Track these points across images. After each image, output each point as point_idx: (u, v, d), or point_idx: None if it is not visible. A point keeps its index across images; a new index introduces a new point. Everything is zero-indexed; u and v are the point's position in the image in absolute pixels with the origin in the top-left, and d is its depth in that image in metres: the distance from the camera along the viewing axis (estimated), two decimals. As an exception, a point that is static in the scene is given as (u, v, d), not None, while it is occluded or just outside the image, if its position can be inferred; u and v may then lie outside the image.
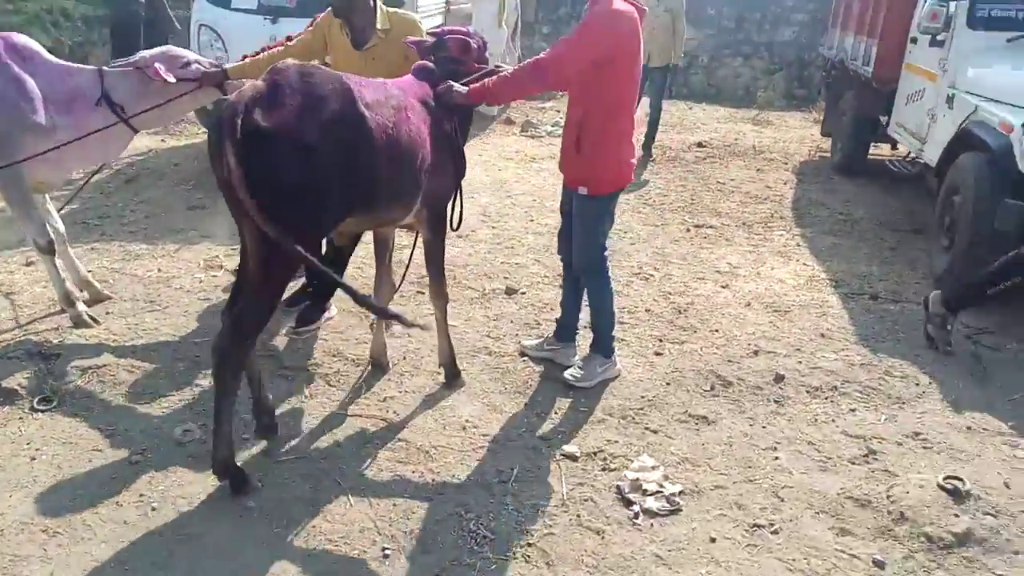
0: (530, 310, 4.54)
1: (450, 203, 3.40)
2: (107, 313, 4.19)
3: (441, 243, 3.44)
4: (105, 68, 3.78)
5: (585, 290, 3.73)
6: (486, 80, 3.26)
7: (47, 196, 4.08)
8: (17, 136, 3.50)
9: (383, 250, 3.59)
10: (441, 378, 3.67)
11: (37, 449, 3.04)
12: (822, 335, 4.34)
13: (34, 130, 3.54)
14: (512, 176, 7.70)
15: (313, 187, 2.56)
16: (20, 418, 3.24)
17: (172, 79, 3.72)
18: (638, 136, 8.92)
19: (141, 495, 2.81)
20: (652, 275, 5.15)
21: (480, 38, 3.55)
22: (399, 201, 3.05)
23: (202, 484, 2.88)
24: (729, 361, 4.00)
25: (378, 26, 3.77)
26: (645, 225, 6.27)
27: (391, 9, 3.90)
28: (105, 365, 3.62)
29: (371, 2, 3.77)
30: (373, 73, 3.56)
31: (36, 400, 3.34)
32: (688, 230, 6.16)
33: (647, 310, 4.60)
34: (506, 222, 6.17)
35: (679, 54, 8.47)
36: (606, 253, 3.60)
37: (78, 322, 3.94)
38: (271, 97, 2.49)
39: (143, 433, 3.18)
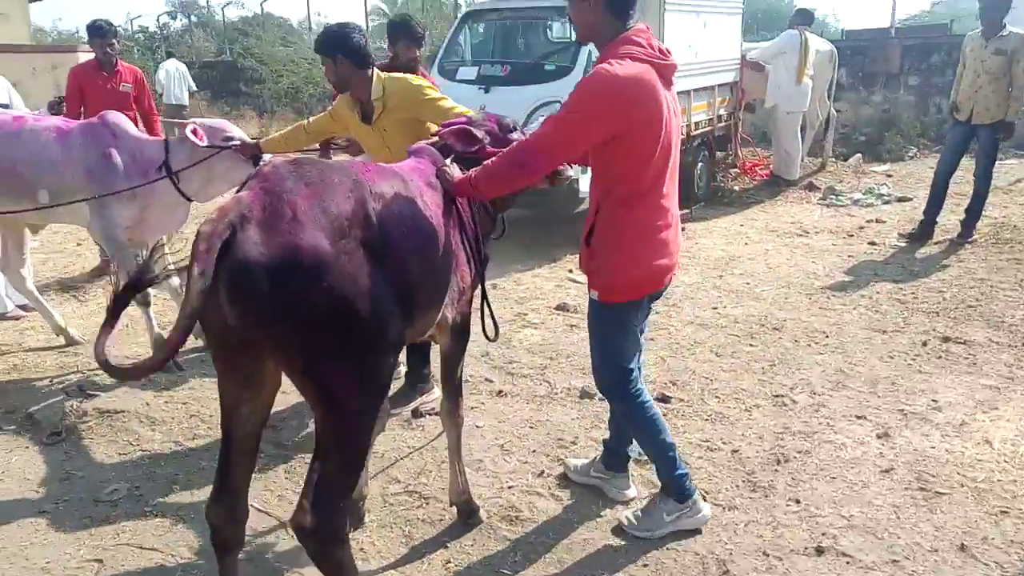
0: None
1: (474, 302, 2.89)
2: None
3: (462, 353, 2.88)
4: (171, 139, 4.16)
5: None
6: (472, 170, 2.57)
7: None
8: (109, 201, 4.00)
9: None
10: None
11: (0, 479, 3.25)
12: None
13: (118, 198, 3.99)
14: (750, 252, 6.57)
15: (357, 308, 1.96)
16: (25, 447, 3.51)
17: (202, 143, 3.91)
18: (908, 215, 7.34)
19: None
20: (792, 402, 3.79)
21: (500, 120, 2.96)
22: (438, 304, 2.54)
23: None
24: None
25: (372, 96, 3.45)
26: (864, 328, 4.72)
27: (385, 74, 3.54)
28: (122, 411, 3.77)
29: (369, 72, 3.43)
30: (391, 146, 3.46)
31: (47, 435, 3.60)
32: (925, 343, 4.46)
33: (734, 451, 3.36)
34: (678, 308, 5.18)
35: (1019, 107, 6.33)
36: (632, 375, 2.75)
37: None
38: (262, 211, 1.88)
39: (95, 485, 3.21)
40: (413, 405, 3.84)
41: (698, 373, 4.14)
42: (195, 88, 13.29)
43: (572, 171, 2.77)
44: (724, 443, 3.43)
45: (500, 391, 4.00)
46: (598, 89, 2.34)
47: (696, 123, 7.80)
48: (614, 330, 2.70)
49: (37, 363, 4.47)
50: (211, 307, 1.83)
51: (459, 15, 7.93)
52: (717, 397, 3.87)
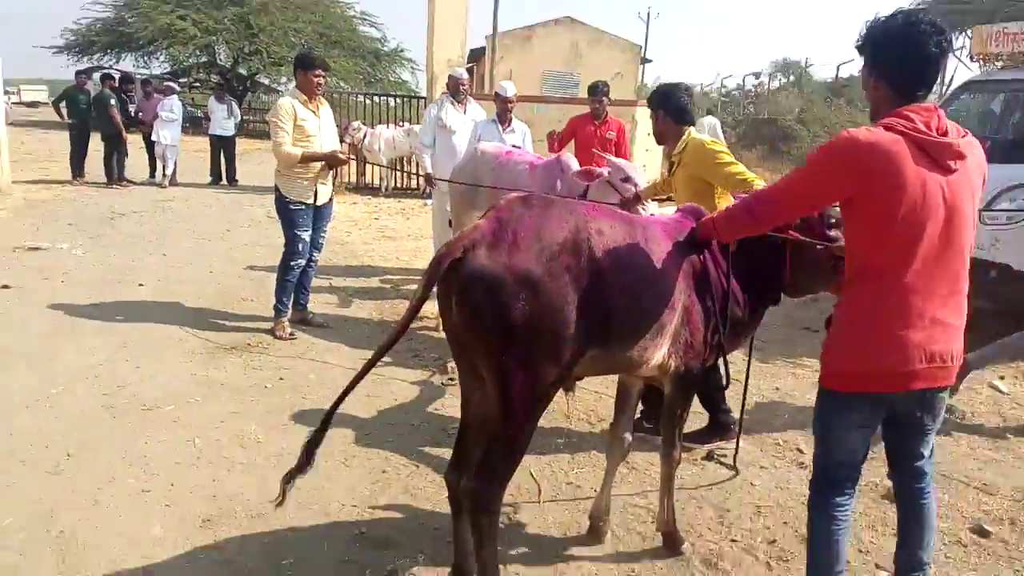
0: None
1: (713, 359, 2.96)
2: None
3: (686, 404, 2.98)
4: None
5: None
6: (717, 214, 2.70)
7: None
8: None
9: (624, 401, 3.16)
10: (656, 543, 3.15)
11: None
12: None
13: None
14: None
15: (545, 323, 2.36)
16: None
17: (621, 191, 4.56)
18: None
19: None
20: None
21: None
22: (636, 340, 2.65)
23: None
24: None
25: (675, 151, 3.94)
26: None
27: (692, 133, 3.94)
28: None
29: (683, 129, 3.92)
30: (678, 199, 3.88)
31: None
32: None
33: None
34: None
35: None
36: (838, 485, 2.42)
37: None
38: (491, 235, 2.38)
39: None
40: (710, 446, 4.02)
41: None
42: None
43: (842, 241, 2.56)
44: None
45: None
46: (832, 149, 2.24)
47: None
48: (828, 418, 2.40)
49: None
50: (448, 311, 2.45)
51: (958, 84, 7.26)
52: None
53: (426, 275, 2.40)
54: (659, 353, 2.73)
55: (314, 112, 5.34)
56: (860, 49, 2.32)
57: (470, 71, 33.44)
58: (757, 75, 26.94)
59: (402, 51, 33.02)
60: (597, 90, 6.81)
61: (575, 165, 5.32)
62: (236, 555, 2.91)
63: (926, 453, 2.47)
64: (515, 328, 2.33)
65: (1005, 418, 4.58)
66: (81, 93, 13.04)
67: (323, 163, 5.40)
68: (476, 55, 28.92)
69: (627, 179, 4.63)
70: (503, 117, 6.34)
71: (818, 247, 2.78)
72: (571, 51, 26.34)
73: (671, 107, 3.87)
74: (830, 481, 2.43)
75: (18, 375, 4.45)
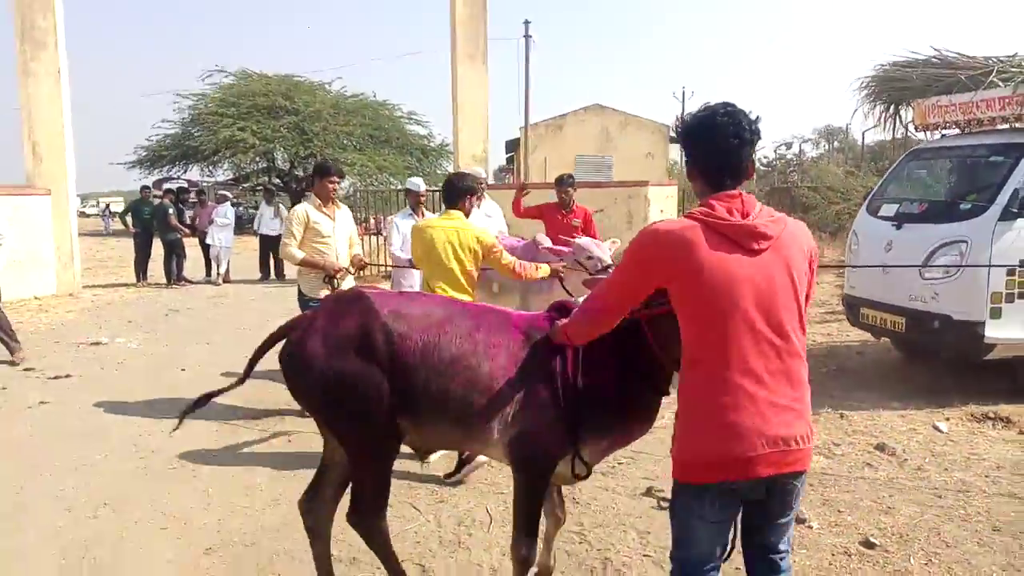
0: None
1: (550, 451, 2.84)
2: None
3: (530, 490, 2.88)
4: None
5: None
6: (566, 321, 2.70)
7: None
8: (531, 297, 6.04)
9: None
10: None
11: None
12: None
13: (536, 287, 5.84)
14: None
15: (338, 394, 2.84)
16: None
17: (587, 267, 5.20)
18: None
19: None
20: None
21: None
22: (448, 418, 2.86)
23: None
24: None
25: None
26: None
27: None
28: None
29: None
30: None
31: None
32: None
33: None
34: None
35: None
36: (696, 573, 2.31)
37: None
38: (305, 321, 3.02)
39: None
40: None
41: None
42: None
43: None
44: None
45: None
46: (636, 242, 2.29)
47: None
48: (680, 511, 2.31)
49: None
50: None
51: (903, 154, 7.83)
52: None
53: (261, 344, 3.12)
54: (492, 437, 2.82)
55: (329, 216, 5.84)
56: (679, 142, 2.42)
57: (510, 160, 35.08)
58: (788, 144, 27.48)
59: (446, 145, 34.78)
60: (563, 182, 7.25)
61: (547, 243, 6.01)
62: (231, 573, 3.60)
63: (782, 547, 2.36)
64: (312, 398, 2.95)
65: (934, 453, 4.99)
66: (144, 204, 14.48)
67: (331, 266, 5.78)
68: (513, 146, 30.39)
69: (590, 257, 5.28)
70: (416, 210, 6.65)
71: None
72: (602, 135, 27.56)
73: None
74: (693, 569, 2.30)
75: (73, 446, 5.30)
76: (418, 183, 6.88)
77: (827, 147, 25.96)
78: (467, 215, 4.78)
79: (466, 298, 4.78)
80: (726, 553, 2.32)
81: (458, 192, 4.75)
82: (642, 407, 2.85)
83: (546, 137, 27.29)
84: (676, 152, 30.01)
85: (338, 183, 5.99)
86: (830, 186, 18.88)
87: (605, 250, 5.44)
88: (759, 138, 2.27)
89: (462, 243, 4.59)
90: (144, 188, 15.30)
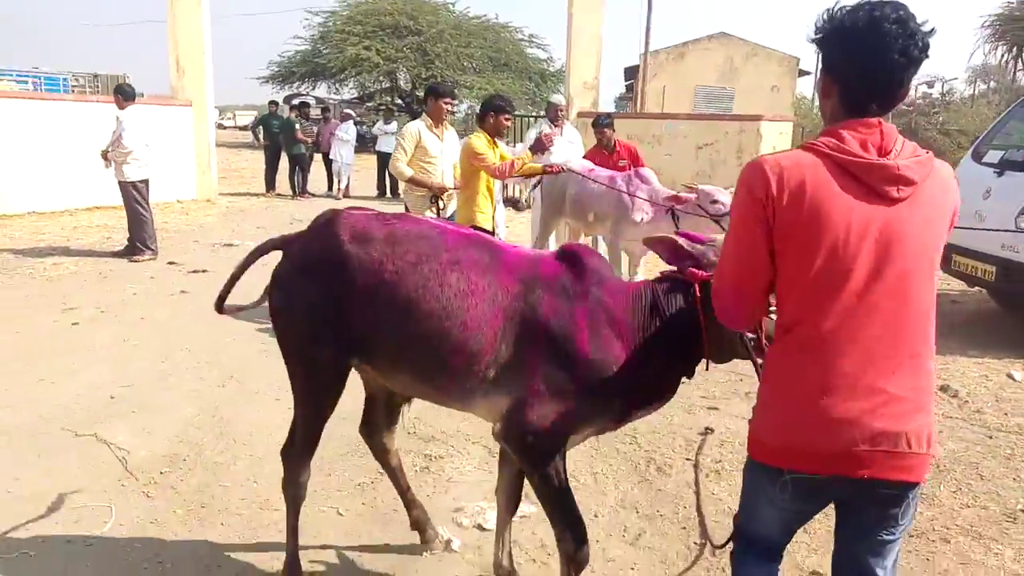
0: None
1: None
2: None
3: (544, 477, 2.40)
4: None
5: None
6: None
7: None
8: (624, 227, 6.30)
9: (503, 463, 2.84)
10: None
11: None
12: None
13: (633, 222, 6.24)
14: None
15: (287, 321, 2.65)
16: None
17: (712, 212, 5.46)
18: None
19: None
20: None
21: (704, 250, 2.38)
22: (409, 368, 2.53)
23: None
24: None
25: None
26: None
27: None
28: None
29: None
30: None
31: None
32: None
33: None
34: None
35: None
36: (753, 555, 2.02)
37: None
38: (284, 239, 2.79)
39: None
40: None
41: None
42: None
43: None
44: None
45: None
46: (739, 184, 1.79)
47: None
48: (750, 486, 1.98)
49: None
50: None
51: (1018, 101, 7.48)
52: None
53: (245, 258, 2.87)
54: (473, 395, 2.44)
55: (438, 136, 6.01)
56: (817, 43, 1.79)
57: (629, 88, 34.47)
58: (931, 82, 25.72)
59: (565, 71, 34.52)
60: (600, 123, 7.32)
61: (653, 178, 6.32)
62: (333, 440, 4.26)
63: (879, 571, 1.89)
64: (274, 318, 2.69)
65: (998, 399, 5.08)
66: (273, 119, 15.48)
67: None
68: (632, 73, 29.86)
69: (715, 201, 5.37)
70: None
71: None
72: (725, 66, 26.69)
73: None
74: (745, 545, 2.04)
75: (206, 330, 6.13)
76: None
77: (982, 87, 23.63)
78: (492, 133, 5.58)
79: (487, 211, 5.65)
80: (786, 542, 2.01)
81: (483, 110, 5.67)
82: (660, 387, 2.43)
83: (666, 66, 26.69)
84: (805, 85, 28.74)
85: (452, 105, 6.15)
86: (960, 128, 17.57)
87: (729, 196, 5.34)
88: (928, 56, 1.72)
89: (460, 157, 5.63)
90: (272, 103, 16.28)
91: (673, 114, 16.54)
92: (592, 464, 4.01)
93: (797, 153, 1.75)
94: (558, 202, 6.88)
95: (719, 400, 4.91)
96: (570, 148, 7.66)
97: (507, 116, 5.73)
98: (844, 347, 1.71)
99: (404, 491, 3.17)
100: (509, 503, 2.82)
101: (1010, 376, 5.50)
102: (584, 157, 7.38)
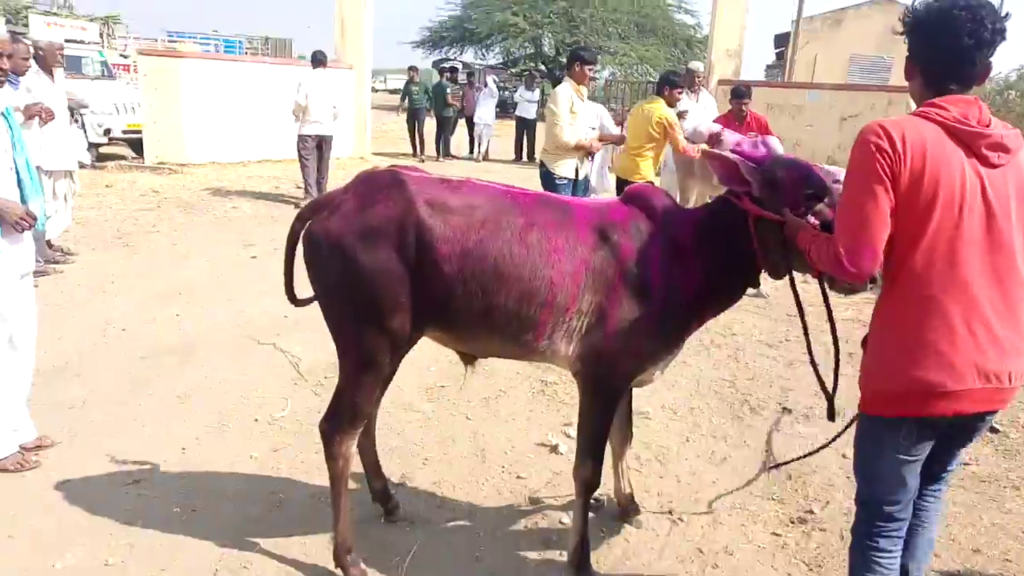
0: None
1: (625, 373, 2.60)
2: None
3: (598, 412, 2.62)
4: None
5: None
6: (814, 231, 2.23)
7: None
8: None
9: None
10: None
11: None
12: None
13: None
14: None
15: (358, 289, 2.46)
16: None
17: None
18: None
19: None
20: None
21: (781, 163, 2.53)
22: (496, 332, 2.55)
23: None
24: None
25: None
26: None
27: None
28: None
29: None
30: None
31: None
32: None
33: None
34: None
35: None
36: (881, 516, 2.14)
37: None
38: (331, 201, 2.55)
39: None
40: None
41: None
42: None
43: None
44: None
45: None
46: (857, 143, 1.97)
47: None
48: (867, 446, 2.14)
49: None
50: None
51: None
52: None
53: (288, 236, 2.65)
54: (559, 353, 2.56)
55: (582, 99, 6.14)
56: (904, 34, 2.08)
57: (779, 55, 33.25)
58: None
59: (713, 37, 33.73)
60: (740, 94, 7.26)
61: (778, 147, 6.40)
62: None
63: (950, 467, 2.23)
64: (324, 284, 2.53)
65: None
66: (413, 84, 16.24)
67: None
68: (782, 40, 28.84)
69: (836, 181, 5.38)
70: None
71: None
72: (884, 34, 25.20)
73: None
74: (874, 523, 2.14)
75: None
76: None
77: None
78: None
79: (646, 167, 6.33)
80: (915, 496, 2.15)
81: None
82: (725, 299, 2.66)
83: (821, 33, 25.62)
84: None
85: (593, 71, 6.28)
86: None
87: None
88: (1003, 39, 1.94)
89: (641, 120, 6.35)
90: (411, 68, 17.06)
91: (817, 84, 16.10)
92: (691, 400, 4.48)
93: (908, 117, 1.95)
94: (690, 165, 7.21)
95: (820, 356, 5.19)
96: (704, 113, 7.89)
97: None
98: (959, 296, 1.91)
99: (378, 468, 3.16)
100: (624, 439, 3.10)
101: None
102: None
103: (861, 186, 1.93)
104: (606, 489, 3.19)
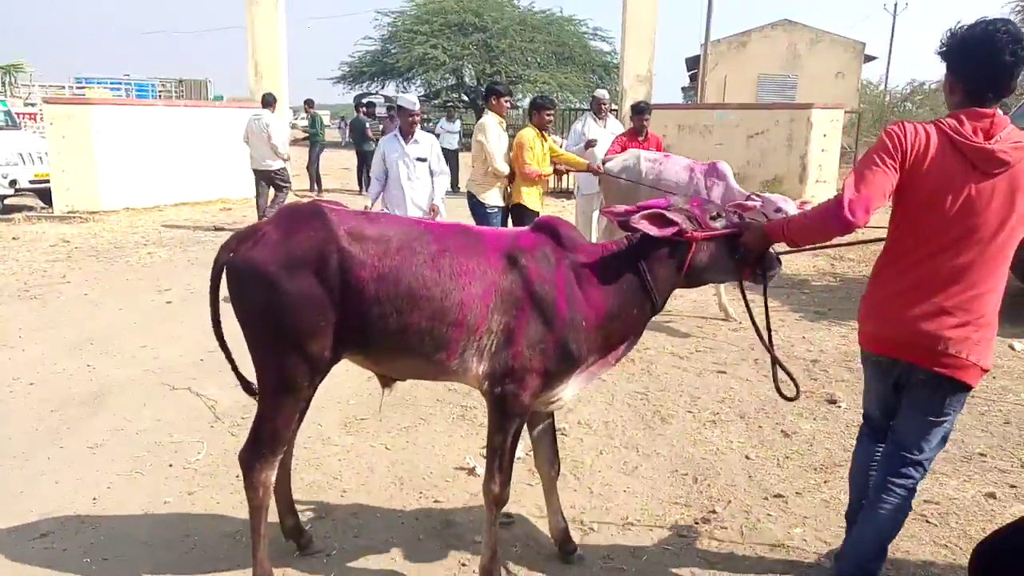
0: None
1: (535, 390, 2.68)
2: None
3: (506, 429, 2.71)
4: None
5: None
6: (783, 220, 2.64)
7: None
8: None
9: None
10: None
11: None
12: None
13: None
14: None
15: (278, 318, 2.55)
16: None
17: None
18: None
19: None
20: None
21: (704, 204, 2.80)
22: (410, 352, 2.66)
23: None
24: None
25: None
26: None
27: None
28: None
29: None
30: None
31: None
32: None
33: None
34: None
35: None
36: (866, 426, 2.89)
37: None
38: (255, 232, 2.65)
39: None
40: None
41: None
42: None
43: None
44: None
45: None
46: (882, 135, 2.43)
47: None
48: (864, 372, 2.80)
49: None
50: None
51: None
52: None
53: (212, 274, 2.74)
54: (469, 371, 2.67)
55: (504, 130, 6.51)
56: (943, 55, 2.40)
57: (692, 78, 34.46)
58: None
59: (628, 64, 34.70)
60: (640, 110, 7.46)
61: (729, 172, 6.28)
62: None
63: (915, 452, 2.58)
64: (247, 312, 2.61)
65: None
66: (312, 121, 16.11)
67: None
68: (694, 63, 29.91)
69: (778, 210, 5.10)
70: (407, 131, 6.32)
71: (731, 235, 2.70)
72: (788, 53, 26.52)
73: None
74: (865, 424, 2.87)
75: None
76: (412, 99, 6.53)
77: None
78: (538, 126, 6.42)
79: (534, 195, 6.45)
80: (886, 421, 2.71)
81: (531, 108, 6.60)
82: (629, 330, 2.79)
83: (728, 55, 26.69)
84: (870, 71, 28.26)
85: (511, 102, 6.82)
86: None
87: (793, 206, 5.24)
88: None
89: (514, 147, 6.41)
90: (307, 102, 17.02)
91: (723, 104, 16.76)
92: (605, 414, 4.63)
93: (927, 125, 2.39)
94: (626, 191, 6.59)
95: (728, 365, 5.45)
96: (611, 139, 8.07)
97: (548, 112, 6.49)
98: (924, 271, 2.40)
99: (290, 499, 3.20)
100: (551, 466, 3.10)
101: (1011, 346, 5.84)
102: (615, 141, 7.54)
103: (874, 158, 2.36)
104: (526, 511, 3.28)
